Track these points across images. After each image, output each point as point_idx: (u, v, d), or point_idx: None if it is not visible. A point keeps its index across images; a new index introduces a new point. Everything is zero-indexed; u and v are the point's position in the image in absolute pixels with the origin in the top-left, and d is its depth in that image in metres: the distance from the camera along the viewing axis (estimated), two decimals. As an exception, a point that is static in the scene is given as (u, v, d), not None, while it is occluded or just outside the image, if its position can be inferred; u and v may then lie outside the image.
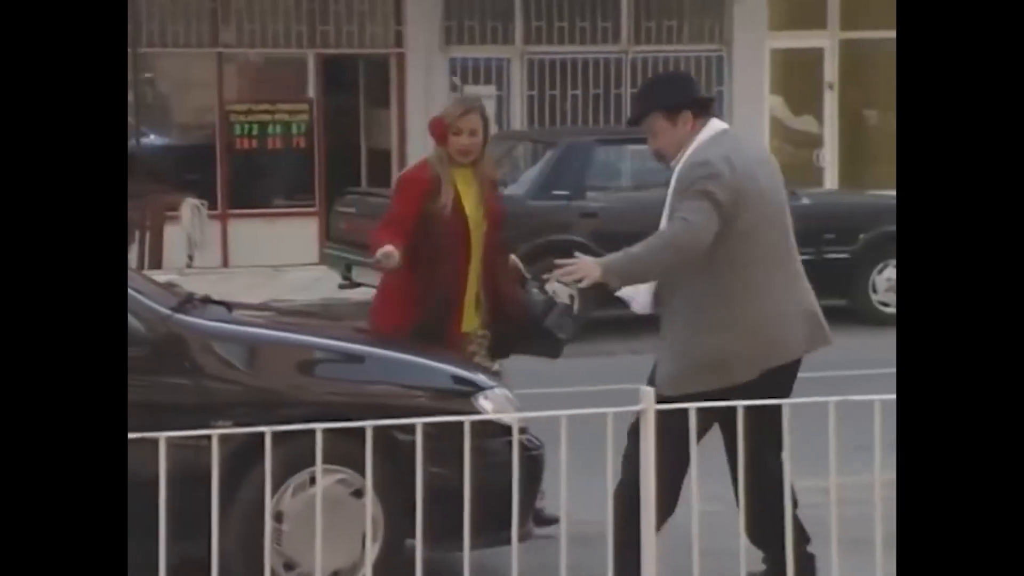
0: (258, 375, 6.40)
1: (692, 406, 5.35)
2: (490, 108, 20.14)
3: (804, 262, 6.51)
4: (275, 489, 5.75)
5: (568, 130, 18.85)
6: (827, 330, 6.47)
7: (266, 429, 5.05)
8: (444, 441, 5.43)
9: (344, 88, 20.11)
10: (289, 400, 6.26)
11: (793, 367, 6.37)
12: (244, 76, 19.82)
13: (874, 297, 15.29)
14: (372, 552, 5.99)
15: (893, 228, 15.14)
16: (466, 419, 5.26)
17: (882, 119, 21.86)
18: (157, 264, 17.58)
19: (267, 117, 19.39)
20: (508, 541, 5.27)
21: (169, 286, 7.17)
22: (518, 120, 19.63)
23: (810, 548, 6.25)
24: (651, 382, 6.35)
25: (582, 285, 6.14)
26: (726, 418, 5.76)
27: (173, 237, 18.30)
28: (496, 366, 7.26)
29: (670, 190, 6.33)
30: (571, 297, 7.53)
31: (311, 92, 19.50)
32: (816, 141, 21.19)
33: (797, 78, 21.46)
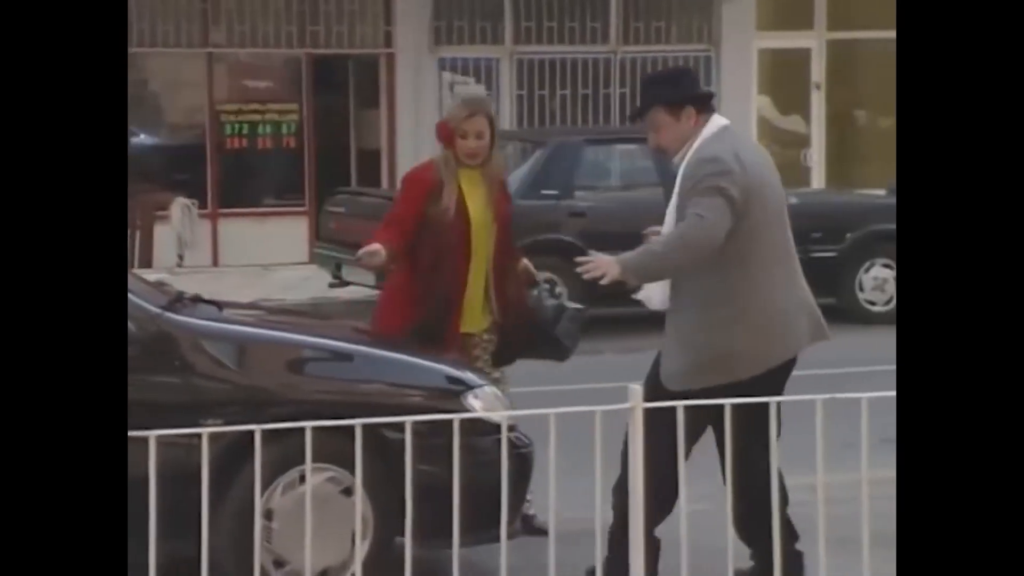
0: (248, 374, 6.41)
1: (680, 404, 5.37)
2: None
3: (792, 261, 6.54)
4: (265, 487, 5.76)
5: (557, 130, 18.88)
6: (825, 326, 6.51)
7: (256, 428, 5.07)
8: (433, 439, 5.44)
9: (334, 88, 20.12)
10: (279, 399, 6.27)
11: (791, 363, 6.41)
12: (234, 76, 19.82)
13: (861, 295, 15.35)
14: (361, 550, 5.98)
15: (880, 227, 15.23)
16: (455, 417, 5.28)
17: (869, 119, 21.92)
18: (147, 263, 17.58)
19: (257, 117, 19.40)
20: (497, 539, 5.27)
21: (159, 285, 7.17)
22: (507, 120, 19.65)
23: (798, 546, 6.27)
24: (650, 378, 6.40)
25: (603, 282, 6.14)
26: (719, 415, 5.78)
27: (163, 236, 18.31)
28: (498, 373, 7.22)
29: (677, 185, 6.32)
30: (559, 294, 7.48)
31: (301, 92, 19.51)
32: (803, 141, 21.23)
33: (784, 78, 21.50)
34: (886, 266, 15.33)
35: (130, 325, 6.06)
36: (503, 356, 7.31)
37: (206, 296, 7.01)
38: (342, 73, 20.31)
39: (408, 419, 5.21)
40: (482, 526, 5.59)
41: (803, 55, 21.28)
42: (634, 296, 6.51)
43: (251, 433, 5.07)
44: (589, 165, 15.25)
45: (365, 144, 20.33)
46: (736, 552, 5.55)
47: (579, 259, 6.22)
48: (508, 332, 7.24)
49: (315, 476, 5.73)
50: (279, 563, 6.12)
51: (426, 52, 19.63)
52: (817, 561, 5.37)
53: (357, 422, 5.12)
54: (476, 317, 7.19)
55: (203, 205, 19.00)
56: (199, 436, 5.11)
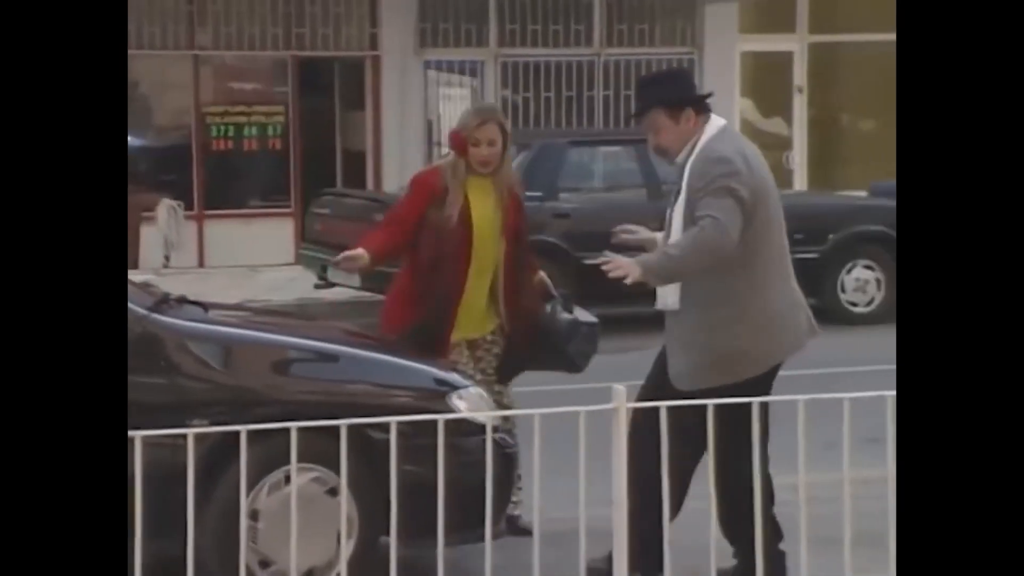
0: (234, 374, 6.41)
1: (663, 404, 5.40)
2: (464, 109, 20.18)
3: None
4: (251, 487, 5.78)
5: (541, 132, 18.91)
6: (814, 321, 6.56)
7: (241, 428, 5.09)
8: (418, 439, 5.46)
9: (319, 90, 20.13)
10: (265, 399, 6.27)
11: (780, 363, 6.46)
12: (220, 78, 19.82)
13: (843, 297, 15.41)
14: (347, 550, 6.00)
15: (861, 229, 15.32)
16: (440, 418, 5.31)
17: (851, 121, 21.98)
18: (133, 264, 17.57)
19: (243, 119, 19.41)
20: (482, 539, 5.31)
21: (145, 286, 7.17)
22: (492, 122, 19.62)
23: (782, 545, 6.30)
24: (652, 378, 6.43)
25: (627, 282, 6.16)
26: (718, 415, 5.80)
27: (149, 238, 18.32)
28: (499, 387, 7.18)
29: (684, 185, 6.31)
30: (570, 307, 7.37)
31: (287, 94, 19.51)
32: (785, 143, 21.28)
33: (767, 81, 21.55)
34: (868, 267, 15.39)
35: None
36: (508, 368, 7.29)
37: (192, 297, 7.02)
38: (328, 75, 20.32)
39: (392, 419, 5.24)
40: (467, 526, 5.61)
41: (785, 58, 21.33)
42: (656, 306, 6.48)
43: (237, 433, 5.09)
44: (573, 167, 15.29)
45: (351, 146, 20.34)
46: (720, 552, 5.59)
47: (601, 260, 6.21)
48: (515, 342, 7.21)
49: (300, 476, 5.75)
50: (265, 563, 6.13)
51: (411, 54, 19.65)
52: (800, 561, 5.40)
53: (342, 423, 5.15)
54: (478, 322, 7.18)
55: (189, 206, 19.00)
56: (185, 436, 5.13)
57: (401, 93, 19.53)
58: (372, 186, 19.40)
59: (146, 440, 4.92)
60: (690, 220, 6.23)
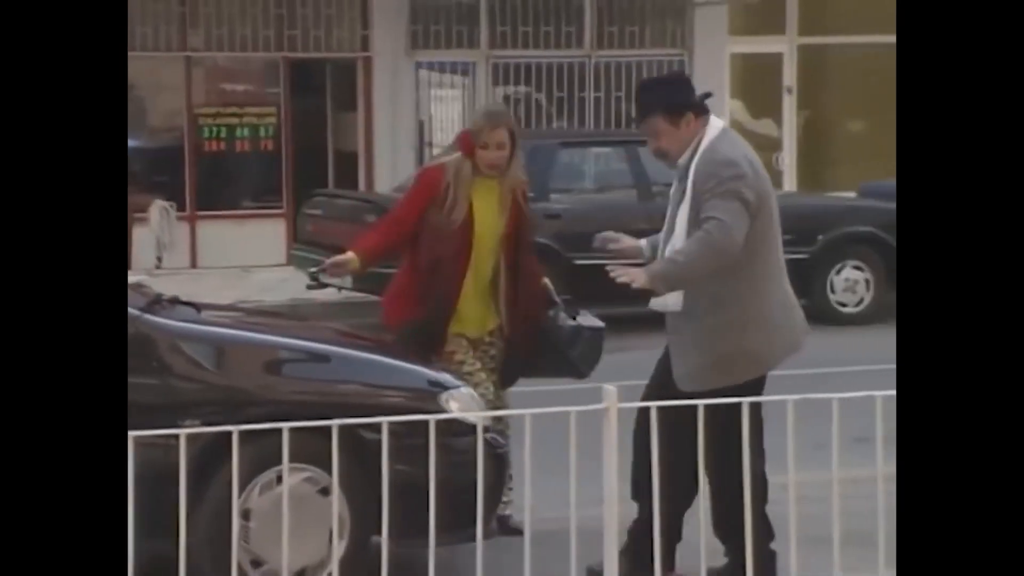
0: (226, 375, 6.42)
1: (653, 405, 5.42)
2: (455, 110, 20.23)
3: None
4: (243, 487, 5.81)
5: (532, 133, 18.92)
6: (805, 320, 6.60)
7: (233, 428, 5.11)
8: (410, 439, 5.48)
9: (311, 91, 20.13)
10: (257, 399, 6.28)
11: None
12: (212, 79, 19.81)
13: (832, 297, 15.44)
14: (339, 549, 6.01)
15: (851, 229, 15.36)
16: (431, 418, 5.33)
17: (840, 123, 22.01)
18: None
19: (235, 120, 19.40)
20: (473, 538, 5.32)
21: (138, 287, 7.18)
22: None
23: (773, 545, 6.30)
24: (654, 377, 6.45)
25: (634, 286, 6.17)
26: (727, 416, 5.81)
27: (142, 238, 18.30)
28: (501, 400, 7.16)
29: (689, 186, 6.31)
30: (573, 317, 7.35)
31: (279, 95, 19.52)
32: (775, 144, 21.29)
33: (757, 82, 21.58)
34: (857, 268, 15.42)
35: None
36: (509, 373, 7.28)
37: (184, 298, 7.04)
38: (319, 76, 20.32)
39: (384, 420, 5.26)
40: (458, 525, 5.64)
41: (775, 60, 21.36)
42: (652, 307, 6.49)
43: (229, 433, 5.11)
44: (564, 168, 15.29)
45: (342, 147, 20.35)
46: (711, 550, 5.61)
47: (609, 267, 6.21)
48: (516, 347, 7.20)
49: (292, 476, 5.78)
50: (257, 563, 6.14)
51: (403, 56, 19.66)
52: (789, 559, 5.42)
53: (334, 423, 5.17)
54: (477, 322, 7.18)
55: (181, 207, 18.99)
56: (177, 436, 5.15)
57: (393, 94, 19.54)
58: (364, 187, 19.39)
59: (139, 440, 4.92)
60: (695, 221, 6.25)
